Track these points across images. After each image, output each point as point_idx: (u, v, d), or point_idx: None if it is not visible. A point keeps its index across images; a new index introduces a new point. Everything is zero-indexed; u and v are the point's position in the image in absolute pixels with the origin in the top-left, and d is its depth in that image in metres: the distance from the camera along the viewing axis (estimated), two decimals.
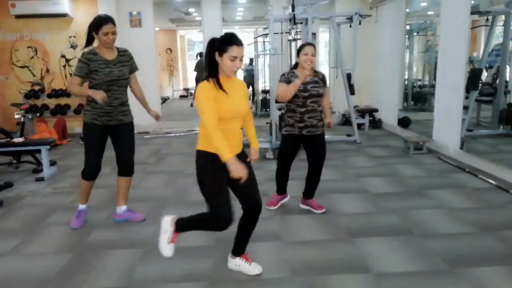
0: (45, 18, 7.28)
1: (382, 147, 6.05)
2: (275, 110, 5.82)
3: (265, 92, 9.41)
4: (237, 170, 2.13)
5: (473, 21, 5.94)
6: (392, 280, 2.48)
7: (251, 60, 10.97)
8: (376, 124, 7.59)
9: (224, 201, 2.27)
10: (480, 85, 5.53)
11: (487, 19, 6.08)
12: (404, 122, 7.06)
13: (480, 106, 6.58)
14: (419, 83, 8.78)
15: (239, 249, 2.59)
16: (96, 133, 3.17)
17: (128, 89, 3.30)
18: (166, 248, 2.47)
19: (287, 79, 3.27)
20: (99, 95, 2.91)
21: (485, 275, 2.50)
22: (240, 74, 11.60)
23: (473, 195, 3.90)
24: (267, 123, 6.40)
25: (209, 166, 2.29)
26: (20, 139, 5.12)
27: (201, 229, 2.54)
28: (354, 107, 7.10)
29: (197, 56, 12.40)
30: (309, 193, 3.59)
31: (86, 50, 3.11)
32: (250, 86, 10.01)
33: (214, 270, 2.64)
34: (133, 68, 3.28)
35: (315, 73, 3.37)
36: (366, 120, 7.45)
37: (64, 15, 7.24)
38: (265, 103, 9.29)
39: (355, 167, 5.01)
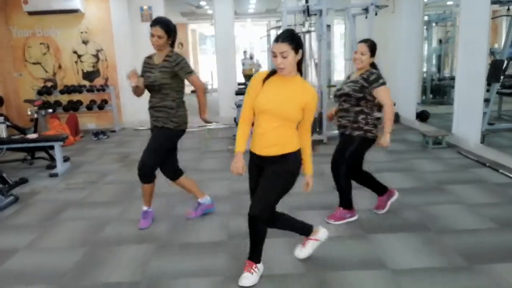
0: (57, 14, 7.29)
1: (400, 141, 5.92)
2: None
3: None
4: (232, 164, 2.34)
5: (494, 11, 5.76)
6: (409, 277, 2.42)
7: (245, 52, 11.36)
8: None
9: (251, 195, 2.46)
10: (502, 77, 5.37)
11: (508, 9, 5.90)
12: (422, 116, 6.91)
13: (502, 99, 6.41)
14: (438, 75, 8.61)
15: (249, 254, 2.47)
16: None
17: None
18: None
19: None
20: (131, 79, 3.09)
21: (505, 271, 2.43)
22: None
23: (494, 190, 3.79)
24: None
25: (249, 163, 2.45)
26: (34, 135, 5.15)
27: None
28: None
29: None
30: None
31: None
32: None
33: (227, 266, 2.62)
34: (179, 74, 3.10)
35: (365, 71, 3.05)
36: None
37: (75, 11, 7.25)
38: None
39: (372, 161, 4.87)
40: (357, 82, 3.01)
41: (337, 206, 3.27)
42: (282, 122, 2.26)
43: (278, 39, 2.21)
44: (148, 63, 3.18)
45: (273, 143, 2.27)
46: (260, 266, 2.46)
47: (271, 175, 2.31)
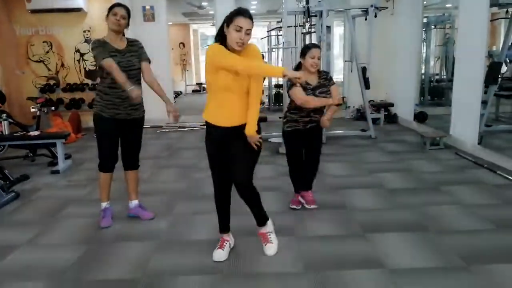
0: (60, 13, 7.34)
1: (398, 142, 5.96)
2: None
3: (278, 86, 9.36)
4: None
5: (493, 14, 5.79)
6: (407, 276, 2.44)
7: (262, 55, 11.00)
8: (391, 119, 7.48)
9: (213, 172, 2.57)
10: (499, 79, 5.40)
11: (507, 11, 5.93)
12: (420, 117, 6.95)
13: (499, 101, 6.45)
14: (436, 77, 8.64)
15: (256, 221, 2.69)
16: (103, 125, 3.12)
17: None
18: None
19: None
20: (135, 93, 2.84)
21: (503, 272, 2.45)
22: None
23: (491, 191, 3.81)
24: (280, 117, 6.35)
25: (206, 136, 2.55)
26: (36, 133, 5.19)
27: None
28: (369, 101, 7.01)
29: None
30: (305, 183, 3.49)
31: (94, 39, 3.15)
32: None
33: (226, 264, 2.64)
34: (142, 57, 3.10)
35: (320, 74, 3.29)
36: (381, 115, 7.35)
37: (78, 10, 7.29)
38: (278, 98, 9.25)
39: (370, 162, 4.94)
40: (326, 86, 3.29)
41: (304, 192, 3.47)
42: (241, 94, 2.39)
43: (245, 14, 2.24)
44: (109, 48, 2.97)
45: (238, 114, 2.42)
46: (270, 224, 2.68)
47: (244, 145, 2.44)
